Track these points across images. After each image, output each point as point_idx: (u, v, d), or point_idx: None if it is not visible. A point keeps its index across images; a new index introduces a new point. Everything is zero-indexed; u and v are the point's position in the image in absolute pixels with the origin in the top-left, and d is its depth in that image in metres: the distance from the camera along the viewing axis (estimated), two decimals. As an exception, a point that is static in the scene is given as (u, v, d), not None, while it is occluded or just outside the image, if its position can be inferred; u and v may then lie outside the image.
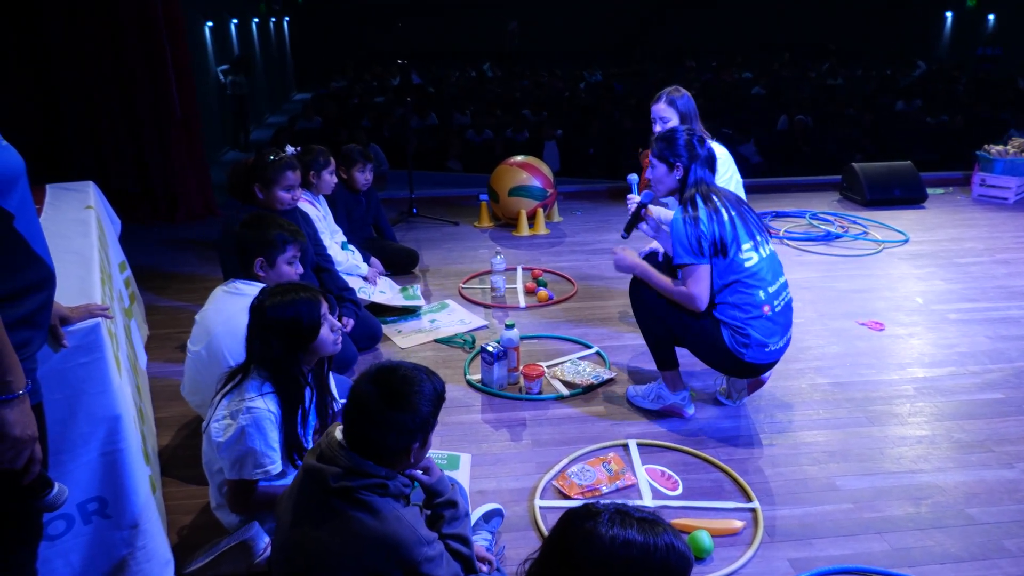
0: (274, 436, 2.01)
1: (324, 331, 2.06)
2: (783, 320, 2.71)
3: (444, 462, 2.61)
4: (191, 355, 2.53)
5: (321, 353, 2.10)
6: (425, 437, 1.67)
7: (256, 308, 2.03)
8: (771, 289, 2.66)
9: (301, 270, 2.59)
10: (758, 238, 2.67)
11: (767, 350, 2.67)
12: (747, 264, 2.62)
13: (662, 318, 2.78)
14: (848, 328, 3.75)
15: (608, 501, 1.21)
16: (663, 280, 2.73)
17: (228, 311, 2.42)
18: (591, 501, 1.28)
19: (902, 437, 2.81)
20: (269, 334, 2.01)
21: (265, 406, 1.99)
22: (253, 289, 2.29)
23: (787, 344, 2.77)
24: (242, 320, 2.09)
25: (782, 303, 2.71)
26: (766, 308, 2.64)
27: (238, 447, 1.98)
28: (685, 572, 1.21)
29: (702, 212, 2.60)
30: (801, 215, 5.65)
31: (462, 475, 2.56)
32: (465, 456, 2.68)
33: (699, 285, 2.62)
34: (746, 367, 2.71)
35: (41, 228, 1.43)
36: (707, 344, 2.71)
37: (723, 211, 2.61)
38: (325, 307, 2.08)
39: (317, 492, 1.62)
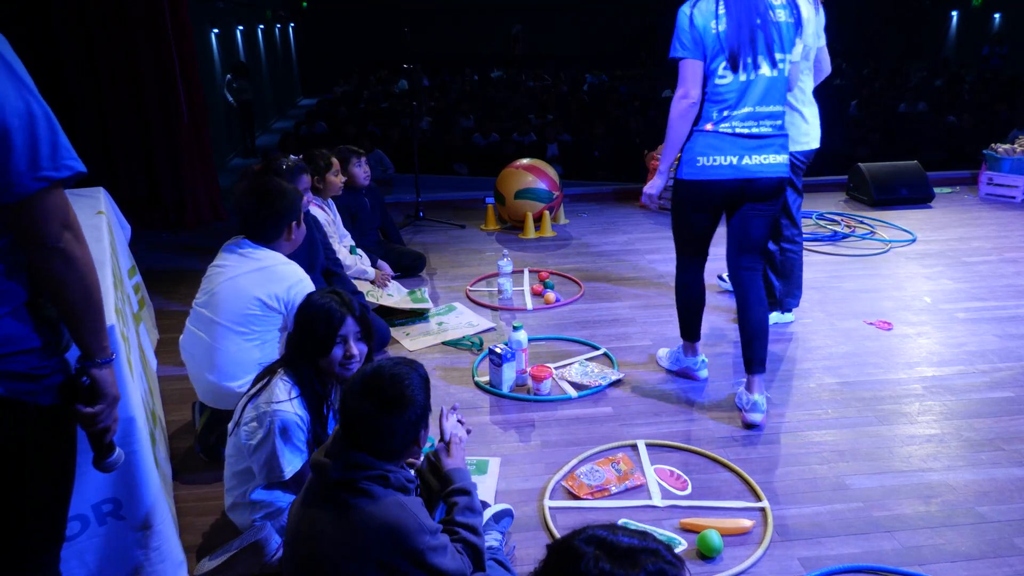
0: (300, 437, 2.03)
1: (336, 350, 2.04)
2: (727, 143, 2.56)
3: (473, 467, 2.58)
4: (193, 310, 2.63)
5: (327, 369, 2.08)
6: (426, 421, 1.73)
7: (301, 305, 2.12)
8: (726, 112, 2.54)
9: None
10: (759, 59, 2.50)
11: (698, 164, 2.60)
12: (717, 82, 2.53)
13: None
14: (856, 328, 3.75)
15: (591, 532, 1.12)
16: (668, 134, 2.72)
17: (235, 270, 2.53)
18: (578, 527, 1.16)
19: (911, 436, 2.81)
20: (294, 329, 2.09)
21: (293, 410, 2.01)
22: (262, 254, 2.51)
23: (733, 174, 2.59)
24: (243, 282, 2.43)
25: (731, 130, 2.55)
26: (708, 126, 2.56)
27: (264, 450, 2.01)
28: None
29: (703, 6, 2.49)
30: (808, 215, 5.63)
31: (491, 478, 2.55)
32: (494, 460, 2.66)
33: (685, 83, 2.56)
34: (691, 188, 2.67)
35: None
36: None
37: (732, 19, 2.46)
38: (349, 329, 2.05)
39: (322, 485, 1.65)
